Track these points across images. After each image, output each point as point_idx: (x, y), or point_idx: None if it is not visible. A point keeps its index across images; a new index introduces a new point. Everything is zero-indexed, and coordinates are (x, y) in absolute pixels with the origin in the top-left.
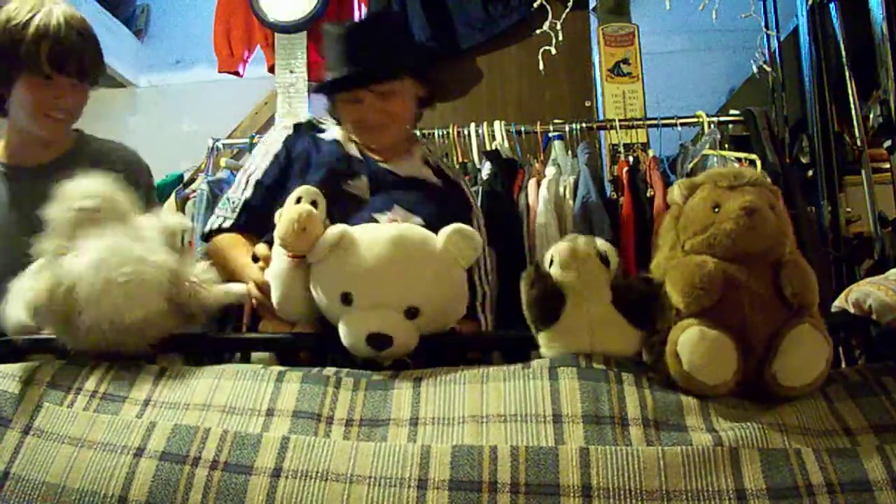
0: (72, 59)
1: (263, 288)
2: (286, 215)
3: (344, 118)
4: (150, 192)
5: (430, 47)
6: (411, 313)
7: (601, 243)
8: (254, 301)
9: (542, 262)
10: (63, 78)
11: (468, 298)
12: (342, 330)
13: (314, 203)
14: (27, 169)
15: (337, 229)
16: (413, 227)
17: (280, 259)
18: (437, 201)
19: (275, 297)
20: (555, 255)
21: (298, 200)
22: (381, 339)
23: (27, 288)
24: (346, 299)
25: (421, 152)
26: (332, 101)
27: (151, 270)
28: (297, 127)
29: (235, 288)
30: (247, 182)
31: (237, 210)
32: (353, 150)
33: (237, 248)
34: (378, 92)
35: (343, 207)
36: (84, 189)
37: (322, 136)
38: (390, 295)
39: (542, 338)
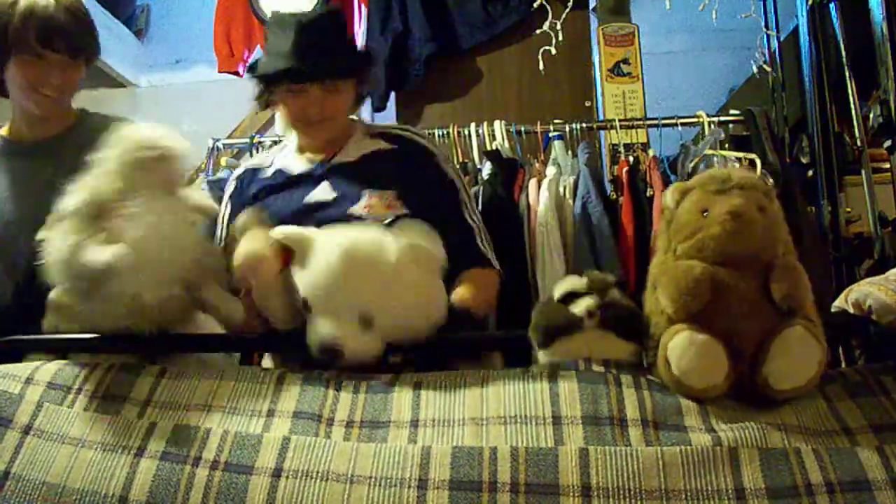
0: (60, 36)
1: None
2: (236, 257)
3: (283, 112)
4: None
5: (368, 51)
6: (365, 322)
7: (613, 293)
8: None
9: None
10: (53, 55)
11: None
12: (307, 337)
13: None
14: (30, 144)
15: (295, 237)
16: (367, 235)
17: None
18: (399, 164)
19: (256, 298)
20: (578, 307)
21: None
22: (331, 351)
23: (72, 231)
24: (306, 305)
25: (360, 129)
26: (268, 89)
27: (184, 256)
28: (237, 178)
29: (230, 306)
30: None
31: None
32: (300, 165)
33: None
34: (325, 88)
35: (309, 219)
36: (148, 137)
37: (266, 172)
38: (341, 303)
39: (542, 356)
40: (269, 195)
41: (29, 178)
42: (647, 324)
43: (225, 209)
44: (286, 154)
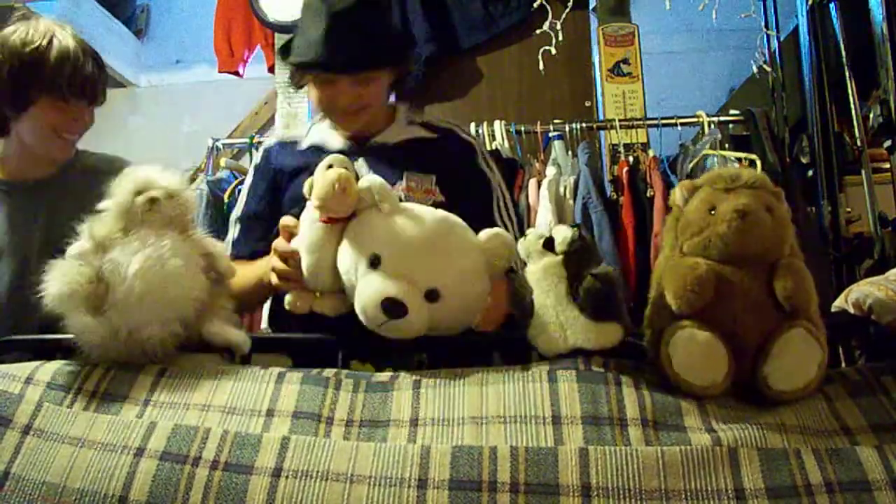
0: (89, 83)
1: (291, 257)
2: (324, 179)
3: (313, 99)
4: None
5: (407, 34)
6: (432, 296)
7: (554, 229)
8: (274, 278)
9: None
10: (80, 101)
11: None
12: (360, 290)
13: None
14: (26, 184)
15: (388, 192)
16: (459, 220)
17: (312, 227)
18: (440, 153)
19: (306, 265)
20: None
21: (329, 167)
22: (396, 306)
23: (67, 272)
24: (375, 261)
25: (402, 114)
26: (298, 73)
27: (185, 296)
28: (267, 149)
29: (238, 338)
30: (232, 223)
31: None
32: (337, 142)
33: (241, 267)
34: (356, 78)
35: None
36: (152, 179)
37: (299, 147)
38: (418, 270)
39: (529, 335)
40: (303, 169)
41: (22, 217)
42: (621, 300)
43: (250, 180)
44: (322, 128)
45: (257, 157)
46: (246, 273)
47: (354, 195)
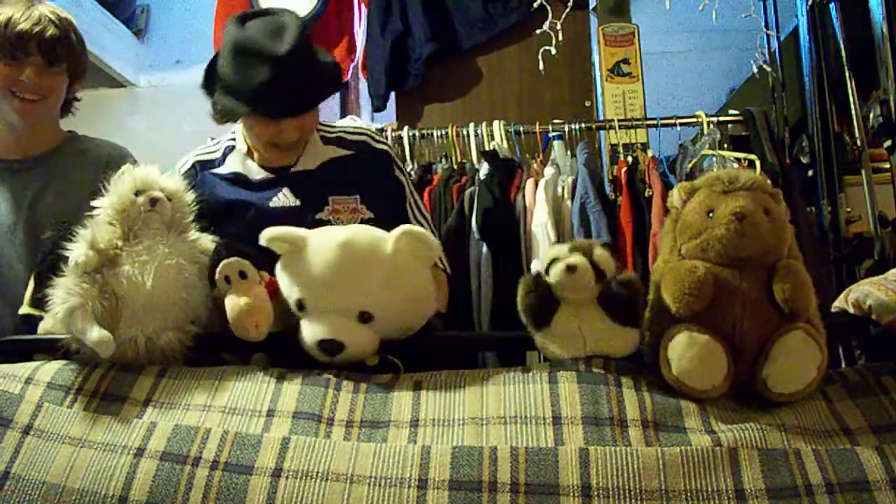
0: (34, 40)
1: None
2: (232, 319)
3: (250, 133)
4: None
5: (335, 67)
6: (364, 318)
7: (598, 253)
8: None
9: (540, 264)
10: (27, 58)
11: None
12: (301, 337)
13: (242, 273)
14: (15, 161)
15: (291, 236)
16: (363, 231)
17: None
18: (359, 170)
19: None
20: (553, 268)
21: (227, 280)
22: (332, 345)
23: (73, 292)
24: (300, 306)
25: (317, 135)
26: (232, 115)
27: (199, 298)
28: (186, 172)
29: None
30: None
31: None
32: (258, 172)
33: None
34: (300, 117)
35: (277, 223)
36: (152, 179)
37: (219, 170)
38: (340, 300)
39: (537, 338)
40: (227, 196)
41: (13, 194)
42: (642, 307)
43: None
44: (238, 156)
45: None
46: None
47: (266, 313)
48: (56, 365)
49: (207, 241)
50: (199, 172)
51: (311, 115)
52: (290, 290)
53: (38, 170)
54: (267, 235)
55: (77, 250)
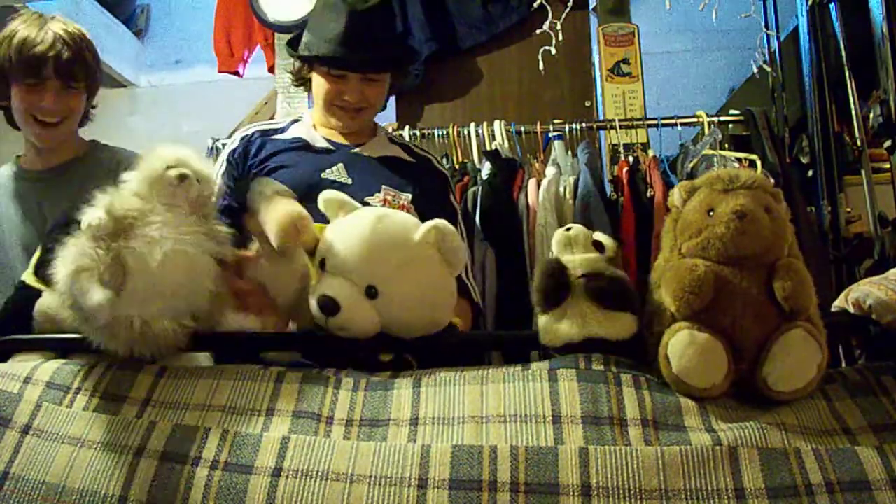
0: (51, 63)
1: (247, 292)
2: (280, 222)
3: (318, 91)
4: None
5: (412, 46)
6: (371, 292)
7: (599, 234)
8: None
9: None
10: (46, 81)
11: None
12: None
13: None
14: (39, 172)
15: (344, 202)
16: (398, 214)
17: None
18: (416, 177)
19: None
20: (553, 241)
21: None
22: (329, 303)
23: (83, 252)
24: (322, 265)
25: (383, 132)
26: (307, 65)
27: (202, 288)
28: (244, 138)
29: (247, 324)
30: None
31: None
32: (321, 141)
33: None
34: (366, 77)
35: None
36: (174, 156)
37: (281, 136)
38: (354, 268)
39: (542, 321)
40: (284, 158)
41: (36, 205)
42: (634, 292)
43: (222, 167)
44: (303, 126)
45: (233, 143)
46: None
47: (312, 227)
48: (55, 364)
49: (222, 230)
50: (260, 138)
51: (375, 85)
52: (319, 250)
53: (58, 179)
54: (324, 196)
55: (92, 213)
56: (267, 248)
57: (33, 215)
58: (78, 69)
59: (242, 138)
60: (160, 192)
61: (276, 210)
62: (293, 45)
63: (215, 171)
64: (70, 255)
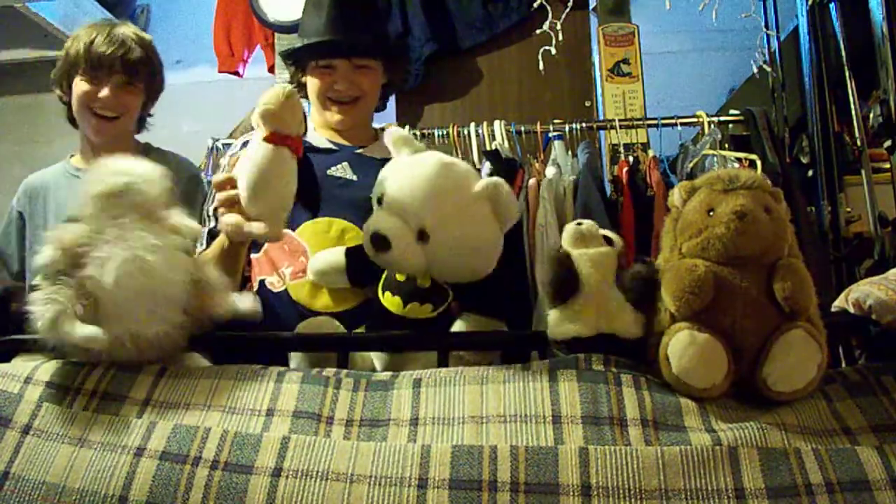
0: (117, 59)
1: (230, 184)
2: (271, 90)
3: (312, 88)
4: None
5: (401, 42)
6: (422, 235)
7: (605, 231)
8: (219, 203)
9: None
10: (108, 77)
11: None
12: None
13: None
14: (85, 172)
15: (412, 141)
16: (461, 164)
17: (255, 148)
18: None
19: (246, 184)
20: (564, 235)
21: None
22: (381, 240)
23: (51, 296)
24: (380, 199)
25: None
26: (300, 69)
27: (175, 285)
28: (244, 144)
29: (246, 303)
30: (210, 215)
31: (203, 242)
32: (324, 143)
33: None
34: (354, 64)
35: (332, 191)
36: (117, 167)
37: None
38: (411, 208)
39: (553, 315)
40: None
41: None
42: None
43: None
44: (308, 130)
45: (234, 148)
46: (212, 249)
47: (299, 106)
48: (55, 364)
49: (181, 219)
50: None
51: (366, 73)
52: (378, 183)
53: None
54: (395, 134)
55: (43, 252)
56: (259, 148)
57: None
58: (141, 69)
59: (243, 145)
60: (105, 210)
61: (267, 93)
62: (287, 54)
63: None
64: (40, 304)
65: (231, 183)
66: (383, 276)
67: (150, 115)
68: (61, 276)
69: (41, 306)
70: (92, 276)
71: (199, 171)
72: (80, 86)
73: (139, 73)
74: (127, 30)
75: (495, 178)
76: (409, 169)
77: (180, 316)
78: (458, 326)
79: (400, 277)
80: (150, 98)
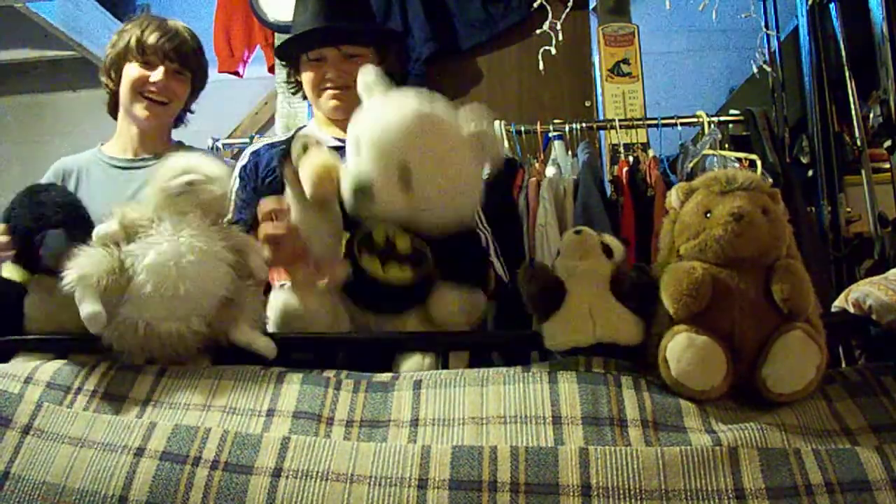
0: (170, 47)
1: (280, 238)
2: (311, 170)
3: (307, 82)
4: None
5: (391, 29)
6: (404, 178)
7: (607, 237)
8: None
9: (543, 258)
10: (160, 63)
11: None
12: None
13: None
14: (122, 159)
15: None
16: (440, 105)
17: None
18: None
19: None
20: (562, 244)
21: (304, 148)
22: (363, 190)
23: (93, 258)
24: (357, 144)
25: None
26: (293, 65)
27: (204, 293)
28: (253, 153)
29: (263, 343)
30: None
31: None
32: (331, 141)
33: None
34: (344, 53)
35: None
36: (185, 165)
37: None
38: (390, 151)
39: (545, 329)
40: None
41: (115, 191)
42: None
43: (235, 183)
44: (308, 131)
45: (243, 160)
46: None
47: (337, 177)
48: (55, 364)
49: (244, 238)
50: (268, 151)
51: (357, 61)
52: (353, 128)
53: (140, 171)
54: (367, 75)
55: (107, 222)
56: (301, 198)
57: (115, 201)
58: (192, 60)
59: (252, 154)
60: (171, 201)
61: (311, 160)
62: (281, 52)
63: (231, 191)
64: (80, 261)
65: (279, 214)
66: (359, 233)
67: (191, 112)
68: (110, 247)
69: (80, 263)
70: (134, 255)
71: (229, 171)
72: (132, 70)
73: (189, 63)
74: (178, 23)
75: (479, 130)
76: (389, 108)
77: (201, 324)
78: (436, 295)
79: (378, 239)
80: (195, 91)
